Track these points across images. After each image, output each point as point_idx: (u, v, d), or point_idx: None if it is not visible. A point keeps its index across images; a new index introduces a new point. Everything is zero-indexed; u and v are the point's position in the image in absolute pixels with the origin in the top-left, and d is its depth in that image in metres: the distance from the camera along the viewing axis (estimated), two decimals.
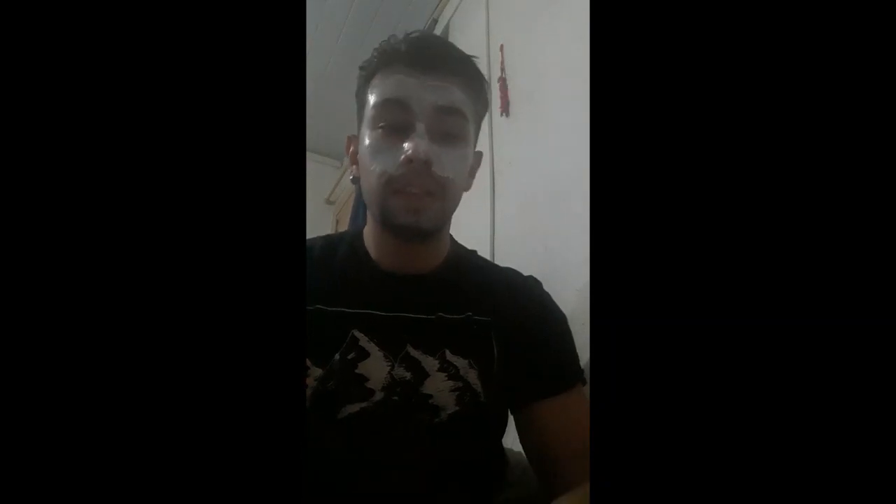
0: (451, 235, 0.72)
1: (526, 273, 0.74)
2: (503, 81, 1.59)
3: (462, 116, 0.63)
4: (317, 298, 0.63)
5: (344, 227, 2.80)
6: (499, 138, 1.57)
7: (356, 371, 0.61)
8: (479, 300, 0.66)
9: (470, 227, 1.48)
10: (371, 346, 0.61)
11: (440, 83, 0.61)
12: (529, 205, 1.36)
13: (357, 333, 0.62)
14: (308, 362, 0.61)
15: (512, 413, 0.67)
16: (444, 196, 0.61)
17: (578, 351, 0.69)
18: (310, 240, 0.72)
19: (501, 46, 1.65)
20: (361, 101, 0.66)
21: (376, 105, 0.62)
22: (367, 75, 0.65)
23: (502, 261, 0.81)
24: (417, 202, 0.59)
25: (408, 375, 0.61)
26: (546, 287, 0.73)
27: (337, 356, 0.61)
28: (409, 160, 0.58)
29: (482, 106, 0.68)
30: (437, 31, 2.23)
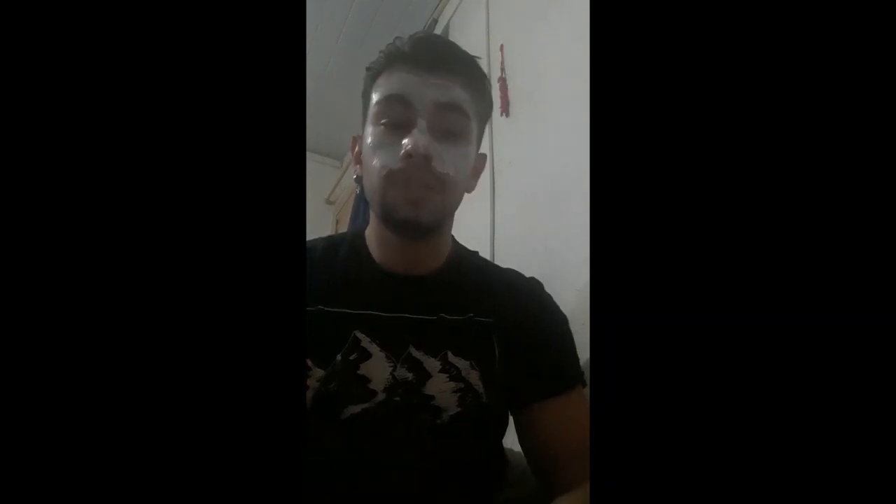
0: (452, 236, 0.73)
1: (526, 273, 0.74)
2: (503, 81, 1.59)
3: (463, 114, 0.63)
4: (319, 299, 0.63)
5: (344, 227, 2.80)
6: (499, 138, 1.57)
7: (358, 372, 0.61)
8: (481, 301, 0.66)
9: (470, 227, 1.48)
10: (373, 347, 0.61)
11: (442, 81, 0.62)
12: (529, 205, 1.36)
13: (359, 334, 0.62)
14: (310, 363, 0.61)
15: (512, 413, 0.67)
16: (444, 191, 0.61)
17: (578, 351, 0.69)
18: (312, 240, 0.72)
19: (501, 46, 1.65)
20: (366, 101, 0.67)
21: (379, 102, 0.63)
22: (373, 75, 0.66)
23: (502, 261, 0.81)
24: (416, 195, 0.60)
25: (410, 376, 0.61)
26: (546, 287, 0.73)
27: (339, 357, 0.61)
28: (409, 154, 0.59)
29: (485, 106, 0.69)
30: (437, 31, 2.23)
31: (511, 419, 0.68)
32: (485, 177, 1.52)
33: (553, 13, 1.43)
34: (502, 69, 1.61)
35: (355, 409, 0.60)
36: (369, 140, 0.63)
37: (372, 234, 0.69)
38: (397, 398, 0.60)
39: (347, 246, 0.70)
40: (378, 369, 0.61)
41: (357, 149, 0.70)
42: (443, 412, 0.61)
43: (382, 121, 0.62)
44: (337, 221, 3.18)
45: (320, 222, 3.13)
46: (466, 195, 0.69)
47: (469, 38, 1.92)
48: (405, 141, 0.59)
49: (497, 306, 0.66)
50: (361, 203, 2.37)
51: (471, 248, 0.76)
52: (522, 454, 0.67)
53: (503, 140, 1.55)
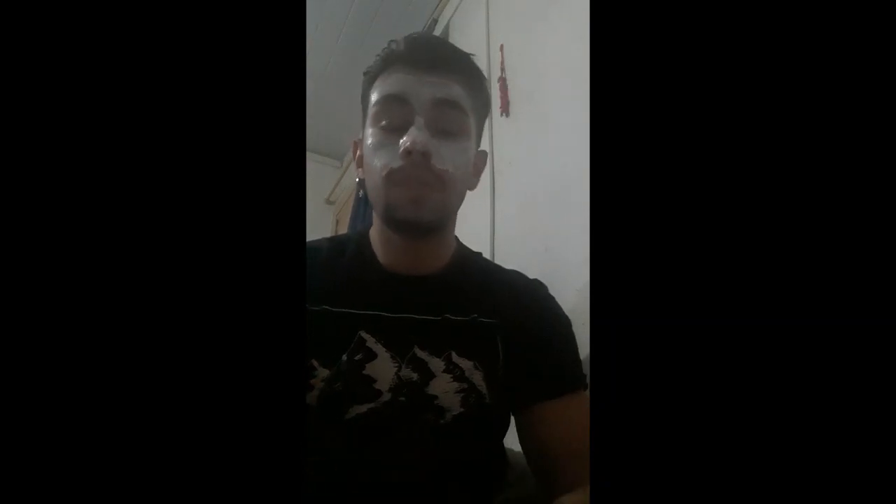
0: (456, 237, 0.73)
1: (526, 273, 0.74)
2: (503, 81, 1.59)
3: (461, 111, 0.63)
4: (324, 299, 0.63)
5: (344, 227, 2.80)
6: (499, 138, 1.57)
7: (364, 372, 0.61)
8: (485, 302, 0.66)
9: (470, 227, 1.48)
10: (378, 348, 0.61)
11: (439, 79, 0.62)
12: (529, 205, 1.36)
13: (364, 334, 0.62)
14: (315, 363, 0.61)
15: (513, 414, 0.67)
16: (444, 189, 0.61)
17: (579, 349, 0.69)
18: (317, 241, 0.73)
19: (501, 46, 1.65)
20: (365, 104, 0.67)
21: (377, 103, 0.63)
22: (371, 79, 0.66)
23: (502, 261, 0.82)
24: (417, 193, 0.60)
25: (415, 376, 0.61)
26: (548, 288, 0.73)
27: (344, 357, 0.61)
28: (408, 152, 0.59)
29: (483, 103, 0.69)
30: (437, 31, 2.23)
31: (512, 419, 0.68)
32: (485, 177, 1.52)
33: (553, 13, 1.43)
34: (502, 69, 1.61)
35: (361, 408, 0.60)
36: (369, 141, 0.63)
37: (375, 234, 0.69)
38: (402, 398, 0.60)
39: (352, 246, 0.70)
40: (383, 369, 0.61)
41: (358, 152, 0.70)
42: (446, 412, 0.61)
43: (381, 122, 0.63)
44: (337, 221, 3.18)
45: (320, 222, 3.13)
46: (468, 196, 0.69)
47: (469, 38, 1.92)
48: (403, 139, 0.59)
49: (500, 307, 0.66)
50: (362, 204, 2.37)
51: (471, 247, 0.76)
52: (523, 454, 0.67)
53: (503, 140, 1.55)
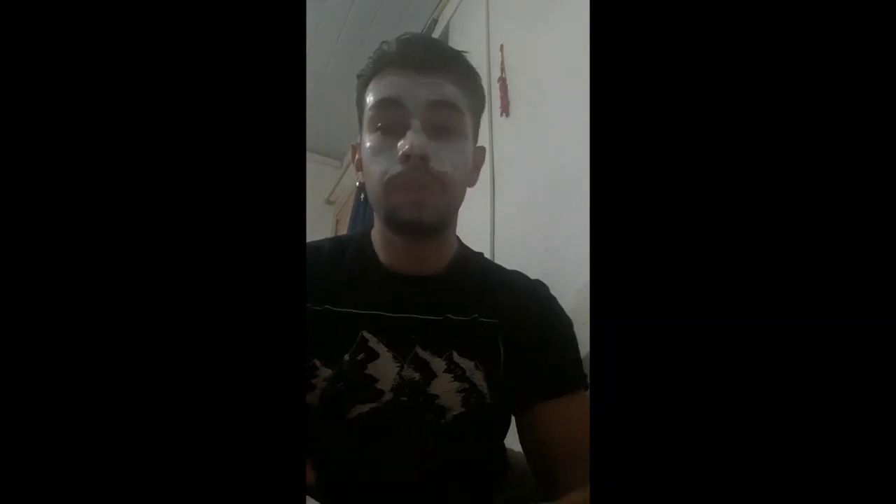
0: (458, 237, 0.73)
1: (526, 273, 0.74)
2: (503, 81, 1.59)
3: (457, 110, 0.63)
4: (326, 299, 0.63)
5: (344, 227, 2.80)
6: (499, 138, 1.57)
7: (366, 372, 0.61)
8: (486, 302, 0.66)
9: (470, 227, 1.48)
10: (380, 347, 0.62)
11: (432, 80, 0.62)
12: (529, 205, 1.36)
13: (366, 334, 0.62)
14: (317, 363, 0.61)
15: (514, 414, 0.67)
16: (444, 190, 0.62)
17: (579, 350, 0.69)
18: (319, 241, 0.73)
19: (501, 46, 1.65)
20: (360, 108, 0.67)
21: (372, 107, 0.64)
22: (364, 81, 0.66)
23: (503, 261, 0.82)
24: (418, 196, 0.60)
25: (416, 376, 0.61)
26: (549, 288, 0.73)
27: (346, 357, 0.61)
28: (406, 156, 0.59)
29: (478, 100, 0.69)
30: (437, 31, 2.23)
31: (513, 419, 0.68)
32: (485, 177, 1.52)
33: (553, 13, 1.43)
34: (502, 69, 1.61)
35: (363, 408, 0.60)
36: (367, 145, 0.63)
37: (377, 235, 0.69)
38: (404, 398, 0.61)
39: (354, 246, 0.70)
40: (385, 369, 0.61)
41: (357, 156, 0.70)
42: (447, 412, 0.61)
43: (378, 126, 0.63)
44: (337, 221, 3.18)
45: (320, 222, 3.13)
46: (468, 196, 0.69)
47: (469, 38, 1.92)
48: (401, 143, 0.59)
49: (501, 307, 0.66)
50: (362, 204, 2.37)
51: (471, 248, 0.76)
52: (523, 454, 0.67)
53: (503, 140, 1.55)
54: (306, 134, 0.53)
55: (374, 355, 0.61)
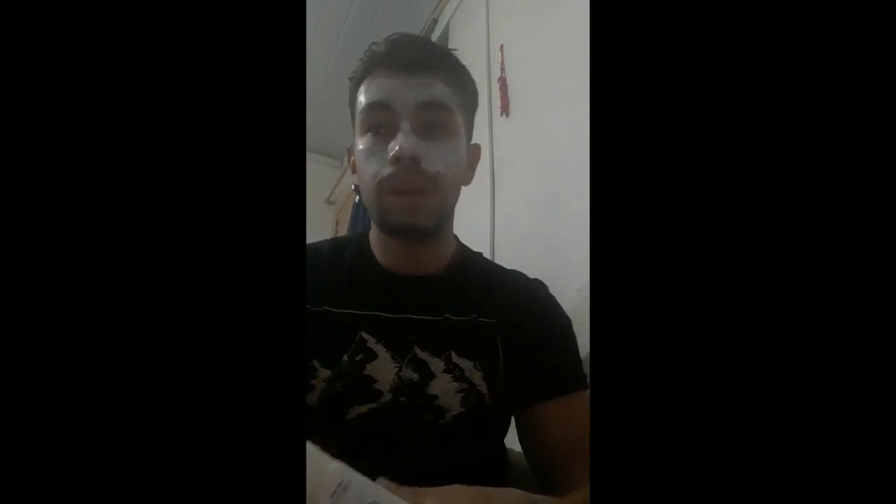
0: (456, 237, 0.73)
1: (526, 273, 0.74)
2: (503, 81, 1.59)
3: (447, 110, 0.63)
4: (324, 300, 0.63)
5: (344, 227, 2.80)
6: (499, 138, 1.57)
7: (364, 372, 0.61)
8: (485, 302, 0.66)
9: (470, 227, 1.48)
10: (379, 348, 0.62)
11: (421, 80, 0.62)
12: (529, 205, 1.36)
13: (365, 335, 0.62)
14: (316, 364, 0.61)
15: (513, 414, 0.67)
16: (438, 191, 0.62)
17: (579, 350, 0.69)
18: (318, 242, 0.73)
19: (501, 46, 1.65)
20: (353, 110, 0.68)
21: (363, 110, 0.64)
22: (355, 84, 0.67)
23: (502, 261, 0.82)
24: (411, 200, 0.60)
25: (415, 377, 0.61)
26: (548, 288, 0.73)
27: (345, 358, 0.61)
28: (397, 159, 0.59)
29: (470, 98, 0.69)
30: (437, 31, 2.23)
31: (513, 419, 0.68)
32: (485, 177, 1.52)
33: (553, 13, 1.43)
34: (502, 69, 1.61)
35: (361, 409, 0.60)
36: (360, 148, 0.64)
37: (374, 237, 0.69)
38: (403, 398, 0.60)
39: (353, 247, 0.70)
40: (384, 370, 0.61)
41: (351, 158, 0.70)
42: (446, 412, 0.61)
43: (369, 128, 0.63)
44: (337, 221, 3.18)
45: (320, 222, 3.13)
46: (468, 196, 0.69)
47: (469, 38, 1.92)
48: (391, 144, 0.60)
49: (501, 307, 0.66)
50: (361, 206, 2.37)
51: (471, 248, 0.76)
52: (523, 454, 0.67)
53: (503, 140, 1.55)
54: (306, 134, 0.53)
55: (372, 356, 0.61)
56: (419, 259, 0.67)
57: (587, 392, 0.66)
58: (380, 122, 0.62)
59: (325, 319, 0.62)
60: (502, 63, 1.62)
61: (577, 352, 0.68)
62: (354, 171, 0.69)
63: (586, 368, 0.67)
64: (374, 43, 0.65)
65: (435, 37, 2.21)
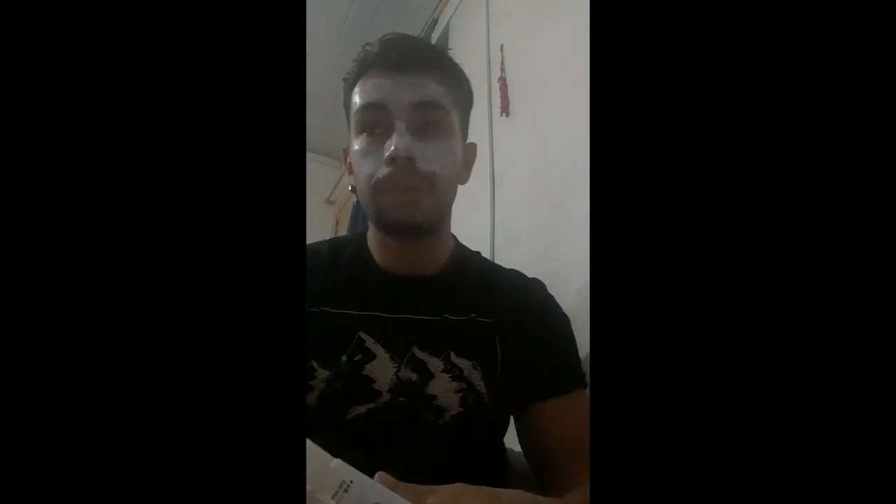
0: (454, 236, 0.73)
1: (526, 273, 0.74)
2: (503, 81, 1.59)
3: (441, 109, 0.63)
4: (323, 301, 0.63)
5: (344, 228, 2.80)
6: (499, 138, 1.56)
7: (363, 373, 0.61)
8: (483, 301, 0.66)
9: (470, 227, 1.48)
10: (377, 348, 0.62)
11: (414, 80, 0.62)
12: (529, 205, 1.36)
13: (363, 335, 0.62)
14: (315, 364, 0.61)
15: (512, 413, 0.67)
16: (434, 190, 0.62)
17: (578, 349, 0.69)
18: (316, 243, 0.73)
19: (501, 46, 1.65)
20: (348, 111, 0.68)
21: (358, 111, 0.64)
22: (350, 85, 0.67)
23: (502, 261, 0.82)
24: (408, 198, 0.60)
25: (414, 377, 0.61)
26: (547, 287, 0.73)
27: (344, 358, 0.61)
28: (392, 159, 0.59)
29: (464, 97, 0.69)
30: (437, 31, 2.22)
31: (512, 419, 0.68)
32: (485, 177, 1.52)
33: (553, 13, 1.43)
34: (502, 69, 1.61)
35: (360, 409, 0.60)
36: (355, 148, 0.64)
37: (372, 237, 0.69)
38: (401, 398, 0.60)
39: (351, 248, 0.70)
40: (383, 370, 0.61)
41: (348, 159, 0.70)
42: (445, 412, 0.61)
43: (364, 129, 0.63)
44: (337, 221, 3.17)
45: (320, 222, 3.12)
46: (466, 195, 0.69)
47: (469, 38, 1.92)
48: (387, 144, 0.60)
49: (499, 307, 0.66)
50: (360, 207, 2.37)
51: (471, 248, 0.76)
52: (522, 454, 0.67)
53: (503, 140, 1.55)
54: (306, 134, 0.53)
55: (371, 356, 0.61)
56: (417, 259, 0.67)
57: (586, 391, 0.66)
58: (375, 122, 0.62)
59: (323, 320, 0.62)
60: (502, 63, 1.62)
61: (575, 351, 0.68)
62: (351, 172, 0.69)
63: (586, 368, 0.67)
64: (367, 43, 0.66)
65: (435, 37, 2.21)
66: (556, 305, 0.71)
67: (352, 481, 0.39)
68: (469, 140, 0.73)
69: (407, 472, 0.60)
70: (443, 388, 0.61)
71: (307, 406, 0.61)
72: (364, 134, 0.63)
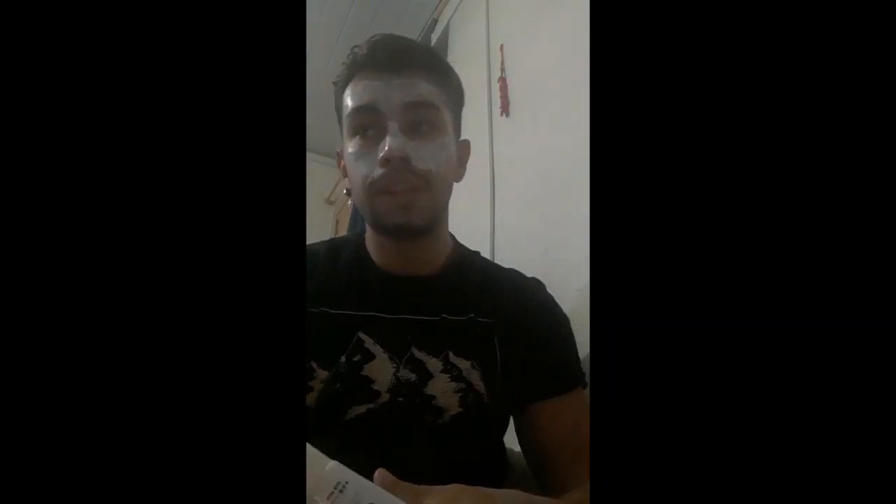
0: (453, 236, 0.73)
1: (526, 273, 0.74)
2: (503, 81, 1.59)
3: (433, 108, 0.63)
4: (322, 301, 0.63)
5: (344, 227, 2.80)
6: (499, 138, 1.56)
7: (362, 373, 0.61)
8: (482, 301, 0.66)
9: (470, 227, 1.48)
10: (376, 349, 0.62)
11: (404, 80, 0.62)
12: (529, 205, 1.36)
13: (362, 336, 0.62)
14: (314, 365, 0.61)
15: (512, 413, 0.67)
16: (430, 189, 0.62)
17: (578, 349, 0.69)
18: (315, 244, 0.73)
19: (501, 46, 1.65)
20: (340, 114, 0.68)
21: (350, 114, 0.64)
22: (340, 88, 0.67)
23: (502, 261, 0.82)
24: (404, 199, 0.60)
25: (413, 377, 0.61)
26: (546, 287, 0.73)
27: (343, 358, 0.61)
28: (387, 160, 0.59)
29: (455, 94, 0.69)
30: (437, 31, 2.23)
31: (511, 419, 0.68)
32: (485, 177, 1.52)
33: (553, 13, 1.43)
34: (502, 69, 1.61)
35: (359, 409, 0.60)
36: (349, 151, 0.64)
37: (370, 238, 0.69)
38: (401, 399, 0.60)
39: (350, 249, 0.70)
40: (382, 370, 0.61)
41: (342, 162, 0.70)
42: (444, 412, 0.61)
43: (357, 131, 0.63)
44: (337, 221, 3.17)
45: (320, 222, 3.13)
46: (466, 195, 0.69)
47: (469, 38, 1.92)
48: (381, 145, 0.60)
49: (498, 307, 0.66)
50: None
51: (471, 248, 0.76)
52: (522, 454, 0.67)
53: (503, 140, 1.55)
54: (306, 134, 0.53)
55: (370, 356, 0.61)
56: (415, 259, 0.67)
57: (585, 391, 0.65)
58: (367, 124, 0.62)
59: (322, 320, 0.62)
60: (502, 63, 1.62)
61: (575, 351, 0.68)
62: (345, 176, 0.69)
63: (586, 368, 0.67)
64: (356, 46, 0.65)
65: (435, 37, 2.21)
66: (556, 305, 0.71)
67: (347, 482, 0.39)
68: (467, 139, 0.73)
69: (406, 472, 0.60)
70: (442, 389, 0.61)
71: (306, 407, 0.61)
72: (357, 136, 0.63)
